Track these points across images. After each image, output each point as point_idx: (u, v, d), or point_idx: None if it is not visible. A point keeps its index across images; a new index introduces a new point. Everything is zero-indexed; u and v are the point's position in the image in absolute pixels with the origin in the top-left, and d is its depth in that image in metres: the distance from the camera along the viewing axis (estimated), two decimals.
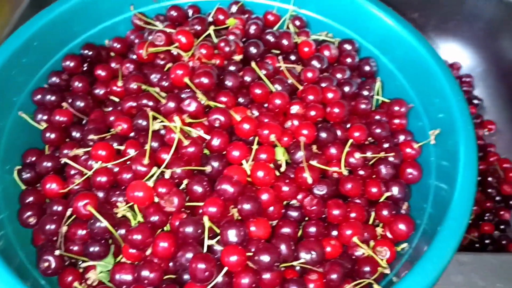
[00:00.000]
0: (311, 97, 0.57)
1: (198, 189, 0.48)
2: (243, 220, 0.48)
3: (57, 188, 0.51)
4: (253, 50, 0.61)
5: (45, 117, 0.57)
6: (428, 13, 1.00)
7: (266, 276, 0.45)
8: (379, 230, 0.52)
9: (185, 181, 0.49)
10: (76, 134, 0.56)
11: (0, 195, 0.51)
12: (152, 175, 0.48)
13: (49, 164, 0.53)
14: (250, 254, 0.45)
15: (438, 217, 0.48)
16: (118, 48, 0.65)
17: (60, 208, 0.50)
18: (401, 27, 0.60)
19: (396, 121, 0.60)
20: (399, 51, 0.61)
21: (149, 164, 0.49)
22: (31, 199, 0.52)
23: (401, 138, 0.59)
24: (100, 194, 0.51)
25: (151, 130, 0.50)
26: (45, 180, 0.52)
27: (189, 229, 0.45)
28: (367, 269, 0.47)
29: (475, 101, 0.99)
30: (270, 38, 0.64)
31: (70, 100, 0.58)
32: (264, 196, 0.48)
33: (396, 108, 0.59)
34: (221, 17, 0.65)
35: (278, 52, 0.65)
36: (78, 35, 0.63)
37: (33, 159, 0.55)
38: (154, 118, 0.52)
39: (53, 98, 0.57)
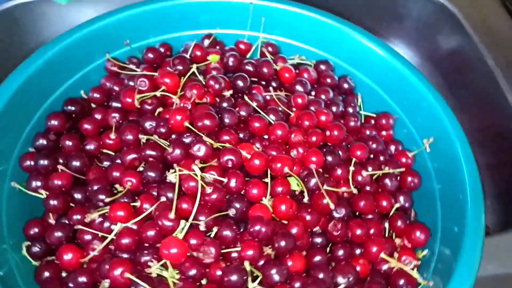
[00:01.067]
0: (307, 123, 0.58)
1: (230, 234, 0.48)
2: (279, 258, 0.48)
3: (76, 258, 0.48)
4: (240, 83, 0.61)
5: (39, 183, 0.53)
6: (362, 15, 1.05)
7: None
8: (397, 241, 0.54)
9: (214, 229, 0.49)
10: (78, 196, 0.53)
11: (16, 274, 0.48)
12: (182, 229, 0.47)
13: (62, 234, 0.50)
14: None
15: (451, 220, 0.52)
16: (98, 98, 0.62)
17: (85, 279, 0.47)
18: (374, 44, 0.64)
19: (384, 133, 0.63)
20: (373, 65, 0.65)
21: (175, 217, 0.48)
22: (47, 274, 0.49)
23: (392, 148, 0.62)
24: (124, 256, 0.49)
25: (176, 182, 0.48)
26: (61, 252, 0.48)
27: (234, 277, 0.45)
28: (401, 282, 0.50)
29: None
30: (250, 68, 0.65)
31: (64, 162, 0.55)
32: (294, 230, 0.49)
33: (384, 121, 0.63)
34: (198, 53, 0.65)
35: (262, 82, 0.66)
36: (54, 91, 0.60)
37: (37, 230, 0.52)
38: (167, 168, 0.51)
39: (46, 162, 0.54)
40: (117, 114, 0.59)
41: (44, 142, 0.56)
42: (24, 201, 0.53)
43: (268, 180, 0.52)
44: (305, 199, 0.52)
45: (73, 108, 0.59)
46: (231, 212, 0.50)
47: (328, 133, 0.58)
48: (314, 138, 0.57)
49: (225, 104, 0.58)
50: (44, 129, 0.58)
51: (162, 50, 0.67)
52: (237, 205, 0.50)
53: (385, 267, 0.52)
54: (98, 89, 0.63)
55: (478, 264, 0.47)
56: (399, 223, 0.55)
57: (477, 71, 0.86)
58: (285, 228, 0.49)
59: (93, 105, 0.62)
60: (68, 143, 0.56)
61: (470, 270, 0.46)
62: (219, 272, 0.46)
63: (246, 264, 0.46)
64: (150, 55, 0.63)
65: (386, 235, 0.55)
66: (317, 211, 0.52)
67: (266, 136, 0.58)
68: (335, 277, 0.49)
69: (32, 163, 0.54)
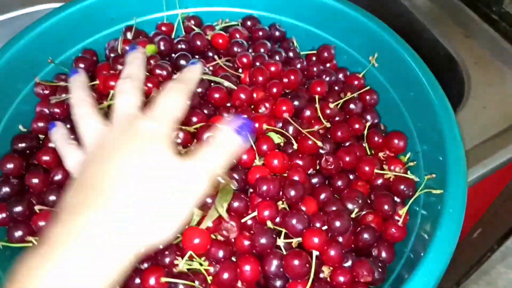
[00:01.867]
0: (260, 78, 0.59)
1: (240, 204, 0.48)
2: (293, 207, 0.50)
3: None
4: (183, 62, 0.60)
5: (22, 233, 0.50)
6: None
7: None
8: (380, 154, 0.58)
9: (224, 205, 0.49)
10: None
11: None
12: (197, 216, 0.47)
13: None
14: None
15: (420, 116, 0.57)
16: (44, 127, 0.58)
17: None
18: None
19: (328, 64, 0.66)
20: (295, 6, 0.67)
21: None
22: None
23: (341, 75, 0.65)
24: (145, 265, 0.48)
25: None
26: None
27: (264, 240, 0.46)
28: (402, 187, 0.53)
29: None
30: (183, 45, 0.64)
31: (39, 200, 0.51)
32: (296, 177, 0.51)
33: (326, 54, 0.65)
34: (127, 47, 0.62)
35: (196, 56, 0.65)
36: None
37: None
38: None
39: (20, 208, 0.50)
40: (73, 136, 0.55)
41: (8, 189, 0.52)
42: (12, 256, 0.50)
43: (251, 143, 0.53)
44: (295, 146, 0.54)
45: (24, 144, 0.55)
46: (234, 185, 0.50)
47: (285, 80, 0.59)
48: (274, 90, 0.58)
49: None
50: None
51: (88, 56, 0.63)
52: (236, 176, 0.50)
53: (379, 181, 0.55)
54: (39, 118, 0.58)
55: (460, 139, 0.51)
56: (375, 138, 0.58)
57: None
58: (288, 179, 0.50)
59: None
60: (35, 181, 0.52)
61: (458, 147, 0.50)
62: (247, 242, 0.47)
63: (269, 223, 0.47)
64: (81, 65, 0.60)
65: (368, 153, 0.58)
66: (307, 153, 0.54)
67: (228, 104, 0.58)
68: (345, 205, 0.51)
69: (4, 215, 0.50)
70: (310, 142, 0.53)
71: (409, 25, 0.91)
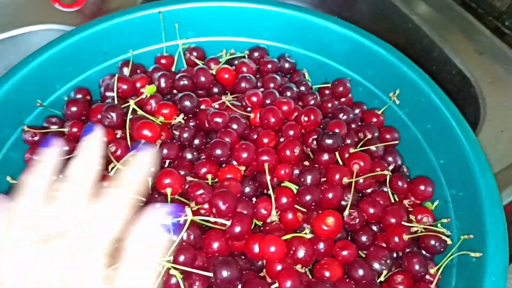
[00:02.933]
0: (273, 120, 0.54)
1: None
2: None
3: None
4: (188, 104, 0.54)
5: None
6: None
7: None
8: (405, 202, 0.53)
9: None
10: None
11: None
12: None
13: None
14: None
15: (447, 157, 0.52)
16: None
17: None
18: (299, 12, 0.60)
19: (343, 99, 0.61)
20: (306, 36, 0.62)
21: None
22: None
23: (357, 111, 0.60)
24: None
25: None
26: None
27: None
28: (432, 242, 0.48)
29: None
30: (186, 82, 0.58)
31: None
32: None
33: (341, 88, 0.60)
34: (125, 86, 0.56)
35: (200, 91, 0.59)
36: None
37: None
38: None
39: None
40: None
41: None
42: None
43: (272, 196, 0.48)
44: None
45: None
46: None
47: (305, 118, 0.54)
48: (291, 132, 0.53)
49: (185, 135, 0.52)
50: None
51: (80, 96, 0.57)
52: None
53: (406, 237, 0.50)
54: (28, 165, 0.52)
55: (494, 184, 0.47)
56: (399, 183, 0.53)
57: None
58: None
59: None
60: None
61: (494, 195, 0.46)
62: None
63: None
64: (74, 109, 0.54)
65: (392, 200, 0.53)
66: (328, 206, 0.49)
67: None
68: (372, 265, 0.47)
69: None
70: (331, 195, 0.48)
71: (418, 41, 0.87)
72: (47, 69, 0.55)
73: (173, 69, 0.62)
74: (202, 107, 0.56)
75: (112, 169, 0.49)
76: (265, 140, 0.53)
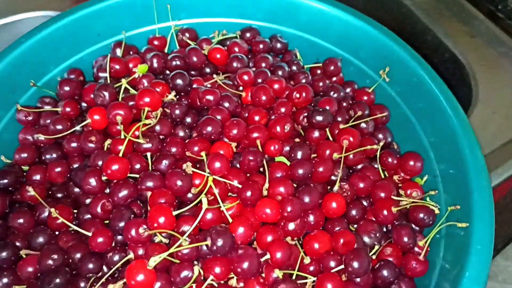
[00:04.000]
0: (264, 98, 0.54)
1: None
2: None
3: None
4: (180, 82, 0.55)
5: (7, 280, 0.45)
6: None
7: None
8: (395, 177, 0.54)
9: None
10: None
11: None
12: None
13: None
14: None
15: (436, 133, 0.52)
16: (28, 158, 0.53)
17: None
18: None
19: (334, 78, 0.62)
20: (297, 16, 0.62)
21: None
22: None
23: (348, 90, 0.61)
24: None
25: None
26: None
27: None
28: (421, 215, 0.49)
29: None
30: (178, 62, 0.59)
31: (24, 244, 0.47)
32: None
33: (332, 67, 0.60)
34: (117, 66, 0.57)
35: (192, 72, 0.60)
36: None
37: None
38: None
39: (5, 254, 0.45)
40: (59, 168, 0.51)
41: None
42: None
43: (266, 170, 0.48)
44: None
45: (6, 181, 0.50)
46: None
47: (297, 95, 0.55)
48: (283, 109, 0.54)
49: (177, 112, 0.52)
50: None
51: (73, 77, 0.58)
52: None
53: (394, 210, 0.51)
54: (23, 148, 0.53)
55: (482, 158, 0.47)
56: (389, 159, 0.54)
57: None
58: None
59: (24, 167, 0.53)
60: (20, 221, 0.48)
61: (481, 169, 0.46)
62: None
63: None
64: (67, 88, 0.55)
65: (382, 176, 0.54)
66: (318, 181, 0.49)
67: None
68: (362, 238, 0.47)
69: None
70: (321, 169, 0.49)
71: (411, 25, 0.87)
72: (40, 50, 0.56)
73: (166, 50, 0.63)
74: (194, 86, 0.57)
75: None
76: (256, 118, 0.53)
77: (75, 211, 0.49)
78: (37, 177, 0.51)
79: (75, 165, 0.53)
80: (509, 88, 0.73)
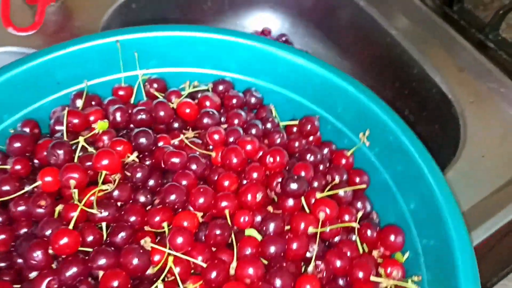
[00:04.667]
0: (235, 160, 0.50)
1: None
2: None
3: None
4: (143, 141, 0.50)
5: None
6: None
7: None
8: (375, 253, 0.50)
9: None
10: None
11: None
12: None
13: None
14: None
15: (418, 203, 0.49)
16: None
17: None
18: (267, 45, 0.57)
19: (311, 138, 0.58)
20: (271, 69, 0.59)
21: None
22: None
23: (325, 151, 0.57)
24: None
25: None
26: None
27: None
28: None
29: None
30: (143, 116, 0.54)
31: None
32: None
33: (309, 126, 0.57)
34: (76, 121, 0.52)
35: (161, 126, 0.56)
36: None
37: None
38: None
39: None
40: (3, 235, 0.45)
41: None
42: None
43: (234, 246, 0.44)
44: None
45: None
46: None
47: (271, 159, 0.51)
48: (255, 175, 0.50)
49: (139, 175, 0.48)
50: None
51: (27, 130, 0.53)
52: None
53: None
54: None
55: (467, 236, 0.44)
56: (368, 232, 0.50)
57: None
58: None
59: None
60: None
61: (467, 249, 0.43)
62: None
63: None
64: (17, 145, 0.49)
65: (360, 251, 0.50)
66: (291, 258, 0.45)
67: None
68: None
69: None
70: (296, 246, 0.44)
71: (397, 57, 0.84)
72: None
73: (132, 101, 0.58)
74: (160, 144, 0.52)
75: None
76: (226, 183, 0.49)
77: (17, 286, 0.44)
78: None
79: (23, 230, 0.47)
80: (500, 128, 0.70)
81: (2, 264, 0.46)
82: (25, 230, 0.47)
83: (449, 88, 0.74)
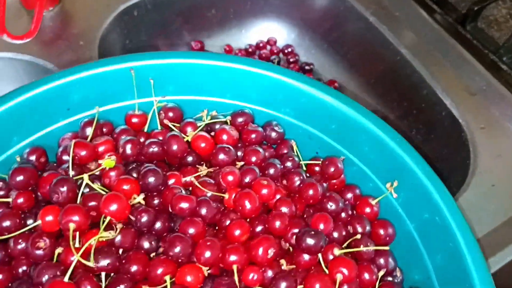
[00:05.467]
0: (248, 206, 0.47)
1: None
2: None
3: None
4: (152, 180, 0.47)
5: None
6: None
7: None
8: None
9: None
10: None
11: None
12: None
13: None
14: None
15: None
16: None
17: None
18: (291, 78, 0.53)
19: (334, 181, 0.54)
20: (294, 103, 0.54)
21: None
22: None
23: (349, 196, 0.53)
24: None
25: None
26: None
27: None
28: None
29: (307, 67, 0.96)
30: (155, 149, 0.51)
31: None
32: None
33: (332, 169, 0.52)
34: (83, 153, 0.49)
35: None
36: None
37: None
38: None
39: None
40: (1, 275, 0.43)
41: None
42: None
43: None
44: None
45: None
46: None
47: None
48: (259, 228, 0.46)
49: (144, 219, 0.44)
50: None
51: (33, 158, 0.50)
52: None
53: None
54: None
55: None
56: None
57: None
58: None
59: None
60: None
61: None
62: None
63: None
64: (20, 178, 0.47)
65: None
66: None
67: None
68: None
69: None
70: None
71: (406, 76, 0.80)
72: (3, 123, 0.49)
73: (145, 129, 0.55)
74: (171, 181, 0.49)
75: None
76: (237, 233, 0.45)
77: None
78: None
79: (21, 269, 0.45)
80: (511, 155, 0.67)
81: None
82: (24, 268, 0.45)
83: (459, 112, 0.70)
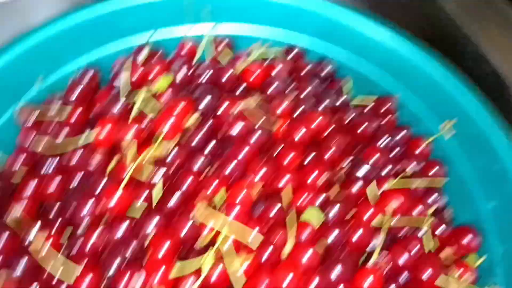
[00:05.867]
0: (300, 135, 0.46)
1: None
2: None
3: None
4: (207, 101, 0.47)
5: None
6: None
7: None
8: (443, 255, 0.45)
9: None
10: None
11: None
12: None
13: None
14: None
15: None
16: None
17: None
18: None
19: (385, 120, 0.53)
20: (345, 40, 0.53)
21: None
22: None
23: (399, 136, 0.52)
24: None
25: None
26: None
27: None
28: None
29: None
30: (207, 75, 0.51)
31: None
32: None
33: (384, 109, 0.51)
34: (136, 74, 0.50)
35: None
36: None
37: None
38: None
39: None
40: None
41: None
42: None
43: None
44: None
45: None
46: None
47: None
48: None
49: (197, 140, 0.45)
50: None
51: (87, 78, 0.50)
52: None
53: None
54: (21, 151, 0.46)
55: None
56: (438, 231, 0.45)
57: None
58: None
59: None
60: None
61: None
62: None
63: None
64: (76, 93, 0.48)
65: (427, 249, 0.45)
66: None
67: None
68: None
69: None
70: (357, 237, 0.40)
71: (450, 34, 0.76)
72: (55, 44, 0.50)
73: (195, 60, 0.55)
74: (224, 105, 0.49)
75: None
76: (288, 159, 0.45)
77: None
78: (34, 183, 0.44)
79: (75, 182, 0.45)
80: None
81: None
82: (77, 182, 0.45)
83: (504, 69, 0.66)
